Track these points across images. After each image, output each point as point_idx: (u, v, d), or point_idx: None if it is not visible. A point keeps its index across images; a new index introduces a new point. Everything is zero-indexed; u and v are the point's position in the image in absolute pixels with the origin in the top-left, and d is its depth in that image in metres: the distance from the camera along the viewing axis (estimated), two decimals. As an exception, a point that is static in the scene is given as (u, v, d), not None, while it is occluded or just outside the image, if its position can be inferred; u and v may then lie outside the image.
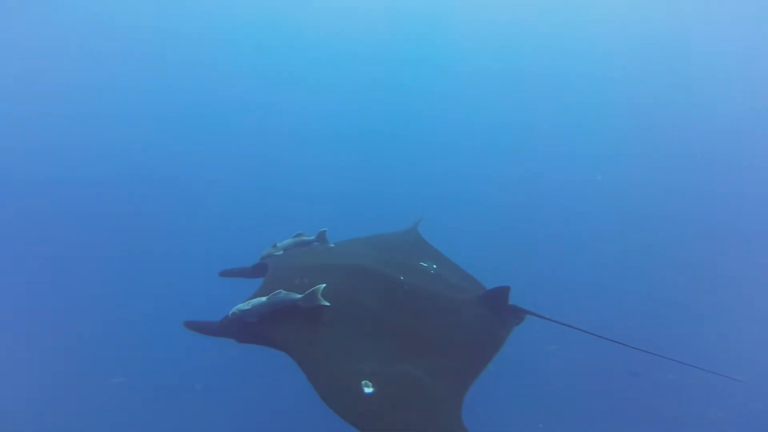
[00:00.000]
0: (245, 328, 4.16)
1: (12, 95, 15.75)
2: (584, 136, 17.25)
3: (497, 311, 4.67)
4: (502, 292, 4.70)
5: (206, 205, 11.89)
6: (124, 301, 8.75)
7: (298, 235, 5.74)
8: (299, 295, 4.13)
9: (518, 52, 22.45)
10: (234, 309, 4.16)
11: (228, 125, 15.96)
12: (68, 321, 8.54)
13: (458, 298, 4.82)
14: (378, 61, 20.82)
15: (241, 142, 15.12)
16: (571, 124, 17.78)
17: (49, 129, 14.91)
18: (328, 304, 4.15)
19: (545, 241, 11.72)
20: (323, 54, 21.18)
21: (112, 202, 11.91)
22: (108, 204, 11.82)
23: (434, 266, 5.45)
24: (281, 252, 5.47)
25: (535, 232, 12.04)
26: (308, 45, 21.59)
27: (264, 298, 4.15)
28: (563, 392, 7.60)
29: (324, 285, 4.19)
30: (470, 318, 4.57)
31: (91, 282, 9.46)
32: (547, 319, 4.68)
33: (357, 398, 3.36)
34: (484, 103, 18.91)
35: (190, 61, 19.26)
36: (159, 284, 9.01)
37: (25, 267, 9.83)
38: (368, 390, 3.43)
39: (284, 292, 4.15)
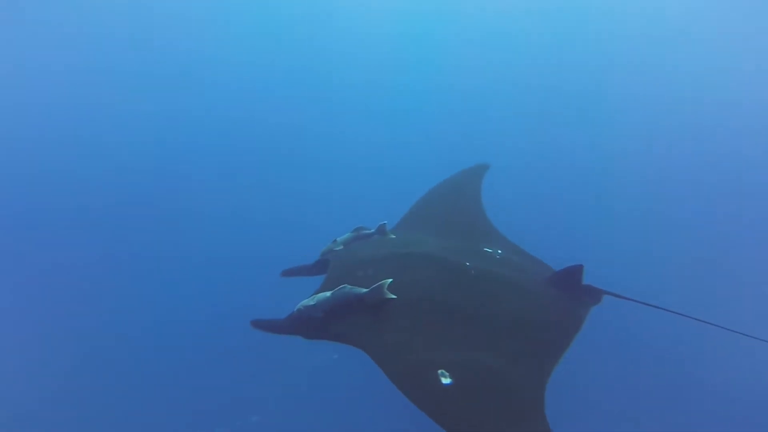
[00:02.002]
0: (312, 325, 4.13)
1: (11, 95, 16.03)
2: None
3: (572, 292, 4.42)
4: (575, 271, 4.43)
5: (261, 205, 11.96)
6: (179, 304, 8.85)
7: (358, 229, 5.66)
8: (365, 290, 4.05)
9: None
10: (299, 305, 4.14)
11: (272, 126, 15.97)
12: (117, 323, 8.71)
13: (529, 280, 4.59)
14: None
15: (293, 142, 15.10)
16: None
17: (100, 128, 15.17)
18: (395, 297, 4.04)
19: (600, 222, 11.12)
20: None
21: (164, 202, 12.00)
22: (161, 204, 11.92)
23: (499, 251, 5.24)
24: (341, 247, 5.41)
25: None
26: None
27: (329, 293, 4.09)
28: (654, 379, 7.15)
29: (390, 280, 4.09)
30: (544, 300, 4.34)
31: (149, 283, 9.56)
32: (627, 298, 4.37)
33: (436, 390, 3.22)
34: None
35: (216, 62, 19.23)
36: (222, 285, 9.12)
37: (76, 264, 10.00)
38: (446, 381, 3.28)
39: (349, 286, 4.09)
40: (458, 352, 3.58)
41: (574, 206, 11.62)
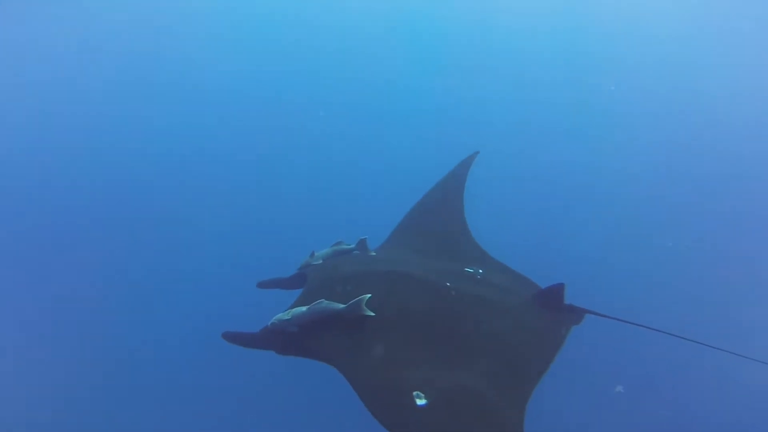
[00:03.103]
0: (286, 339, 3.98)
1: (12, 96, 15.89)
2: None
3: (553, 311, 4.35)
4: (557, 290, 4.37)
5: (239, 213, 11.78)
6: (155, 315, 8.70)
7: (338, 243, 5.56)
8: (342, 305, 3.93)
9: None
10: (273, 319, 3.99)
11: (261, 132, 15.73)
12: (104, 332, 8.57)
13: (509, 300, 4.51)
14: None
15: (282, 149, 14.83)
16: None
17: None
18: (373, 314, 3.92)
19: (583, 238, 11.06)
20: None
21: (142, 209, 11.87)
22: (139, 211, 11.79)
23: (480, 271, 5.15)
24: (320, 261, 5.28)
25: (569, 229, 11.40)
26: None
27: (305, 308, 3.96)
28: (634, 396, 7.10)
29: (369, 295, 3.97)
30: (525, 320, 4.25)
31: (123, 292, 9.44)
32: (609, 317, 4.31)
33: (409, 411, 3.10)
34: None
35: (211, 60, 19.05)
36: (195, 296, 8.95)
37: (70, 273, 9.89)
38: (421, 402, 3.16)
39: (326, 301, 3.96)
40: (434, 373, 3.46)
41: (562, 219, 11.59)
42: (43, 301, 9.22)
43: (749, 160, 13.55)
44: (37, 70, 16.84)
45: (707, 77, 17.47)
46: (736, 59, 18.40)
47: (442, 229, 5.99)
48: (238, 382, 7.33)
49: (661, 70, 18.17)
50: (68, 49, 17.89)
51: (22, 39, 17.51)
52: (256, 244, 10.17)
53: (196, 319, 7.92)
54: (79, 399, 7.31)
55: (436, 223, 6.05)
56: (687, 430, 6.93)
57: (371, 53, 19.93)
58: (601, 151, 14.23)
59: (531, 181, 13.00)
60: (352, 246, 5.54)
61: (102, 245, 10.68)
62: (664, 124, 15.56)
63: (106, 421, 7.08)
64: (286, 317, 3.95)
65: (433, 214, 6.12)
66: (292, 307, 4.09)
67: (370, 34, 20.65)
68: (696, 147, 14.30)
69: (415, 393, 3.21)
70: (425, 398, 3.17)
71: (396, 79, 18.44)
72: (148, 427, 7.05)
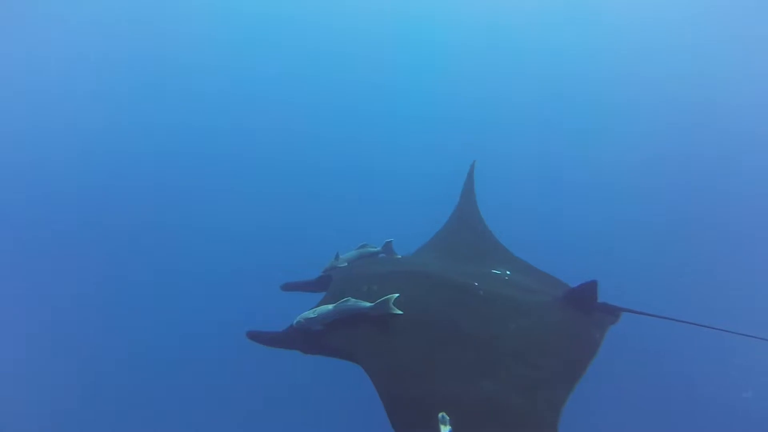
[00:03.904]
0: (311, 338, 3.91)
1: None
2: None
3: (587, 311, 4.17)
4: (589, 289, 4.19)
5: (264, 215, 11.75)
6: (177, 314, 8.69)
7: (363, 246, 5.48)
8: (369, 304, 3.85)
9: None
10: (298, 317, 3.94)
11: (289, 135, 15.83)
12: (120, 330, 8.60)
13: (539, 300, 4.35)
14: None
15: (309, 152, 14.83)
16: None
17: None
18: (401, 312, 3.82)
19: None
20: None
21: (163, 212, 11.93)
22: (160, 213, 11.84)
23: (508, 273, 5.02)
24: (345, 264, 5.22)
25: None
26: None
27: (331, 306, 3.89)
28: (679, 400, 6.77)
29: (397, 294, 3.88)
30: (557, 322, 4.08)
31: (144, 292, 9.48)
32: (647, 314, 4.12)
33: None
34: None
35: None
36: (220, 298, 8.93)
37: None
38: (445, 430, 3.01)
39: (353, 300, 3.89)
40: (463, 385, 3.31)
41: (585, 218, 11.33)
42: (45, 302, 9.30)
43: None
44: (38, 69, 17.19)
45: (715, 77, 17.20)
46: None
47: (466, 239, 5.88)
48: (263, 383, 7.25)
49: (661, 71, 17.95)
50: (68, 48, 18.15)
51: (22, 38, 17.79)
52: (282, 247, 10.15)
53: (219, 322, 7.90)
54: (78, 399, 7.35)
55: (460, 234, 5.93)
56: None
57: (370, 53, 19.97)
58: (618, 147, 14.03)
59: (541, 180, 12.90)
60: (378, 249, 5.46)
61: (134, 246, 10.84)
62: (676, 120, 15.39)
63: (107, 421, 7.06)
64: (312, 315, 3.89)
65: (456, 231, 6.01)
66: (318, 305, 4.03)
67: (370, 33, 20.70)
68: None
69: (440, 415, 3.07)
70: (449, 425, 3.01)
71: (411, 81, 18.47)
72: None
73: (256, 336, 4.05)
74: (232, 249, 10.52)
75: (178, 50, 18.73)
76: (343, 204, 12.16)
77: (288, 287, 5.34)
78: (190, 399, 7.17)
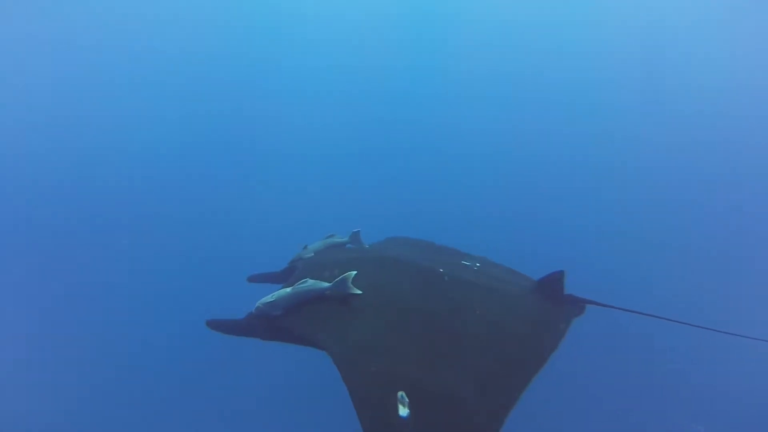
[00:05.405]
0: (271, 324, 3.79)
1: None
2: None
3: (553, 301, 4.13)
4: (556, 279, 4.16)
5: (232, 207, 11.70)
6: (177, 314, 8.53)
7: (330, 236, 5.41)
8: (328, 284, 3.76)
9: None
10: (258, 303, 3.82)
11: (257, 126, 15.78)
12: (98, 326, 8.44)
13: (507, 289, 4.30)
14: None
15: (275, 143, 14.81)
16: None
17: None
18: (360, 292, 3.73)
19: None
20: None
21: (136, 205, 11.84)
22: (132, 207, 11.77)
23: (477, 264, 4.96)
24: (311, 254, 5.12)
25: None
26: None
27: (289, 289, 3.80)
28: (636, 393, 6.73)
29: (355, 272, 3.80)
30: (523, 309, 4.04)
31: (115, 285, 9.34)
32: (612, 307, 4.08)
33: (390, 417, 2.92)
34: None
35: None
36: (185, 292, 8.74)
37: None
38: (403, 412, 2.94)
39: (311, 281, 3.80)
40: (423, 369, 3.25)
41: (560, 213, 11.30)
42: (45, 302, 9.12)
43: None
44: (36, 69, 17.04)
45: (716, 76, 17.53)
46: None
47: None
48: (263, 383, 7.12)
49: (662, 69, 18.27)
50: (68, 48, 18.12)
51: (21, 37, 17.67)
52: (248, 240, 10.00)
53: (186, 315, 7.75)
54: (79, 399, 7.15)
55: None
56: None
57: (365, 44, 20.13)
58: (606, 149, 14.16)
59: (526, 182, 12.78)
60: (346, 239, 5.39)
61: (93, 244, 10.62)
62: (671, 121, 15.65)
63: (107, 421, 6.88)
64: (271, 299, 3.79)
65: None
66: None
67: (371, 31, 20.84)
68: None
69: (399, 394, 3.02)
70: (407, 407, 2.97)
71: (392, 75, 18.67)
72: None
73: (216, 325, 3.92)
74: (233, 249, 10.33)
75: (178, 50, 18.80)
76: (313, 197, 12.07)
77: (254, 279, 5.23)
78: (190, 399, 6.98)
